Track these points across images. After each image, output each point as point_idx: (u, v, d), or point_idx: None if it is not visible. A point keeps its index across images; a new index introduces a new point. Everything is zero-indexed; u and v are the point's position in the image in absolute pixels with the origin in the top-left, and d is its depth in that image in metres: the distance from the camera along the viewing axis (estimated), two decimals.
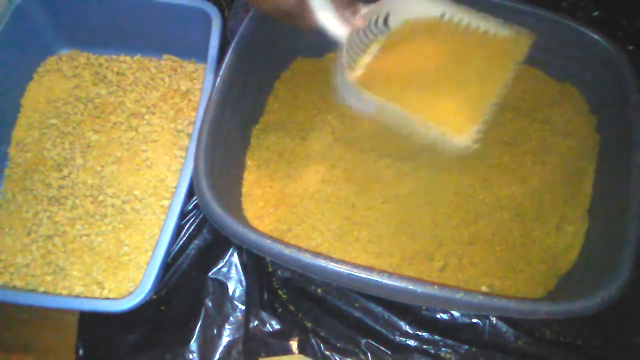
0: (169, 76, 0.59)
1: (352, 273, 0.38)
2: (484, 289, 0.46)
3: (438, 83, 0.45)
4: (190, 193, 0.47)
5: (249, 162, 0.52)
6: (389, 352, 0.48)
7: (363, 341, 0.49)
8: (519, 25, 0.53)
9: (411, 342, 0.49)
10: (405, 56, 0.47)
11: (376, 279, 0.38)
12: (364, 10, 0.44)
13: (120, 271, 0.49)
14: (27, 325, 0.51)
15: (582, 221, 0.49)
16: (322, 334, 0.49)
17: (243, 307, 0.51)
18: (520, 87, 0.55)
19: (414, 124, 0.43)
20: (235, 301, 0.51)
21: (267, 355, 0.49)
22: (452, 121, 0.43)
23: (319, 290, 0.51)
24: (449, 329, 0.49)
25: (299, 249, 0.40)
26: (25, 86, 0.58)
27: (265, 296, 0.51)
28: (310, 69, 0.57)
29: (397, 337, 0.49)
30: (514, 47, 0.47)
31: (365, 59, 0.47)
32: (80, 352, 0.49)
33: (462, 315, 0.50)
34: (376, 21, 0.46)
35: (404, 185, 0.50)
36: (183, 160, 0.52)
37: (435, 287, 0.38)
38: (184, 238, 0.53)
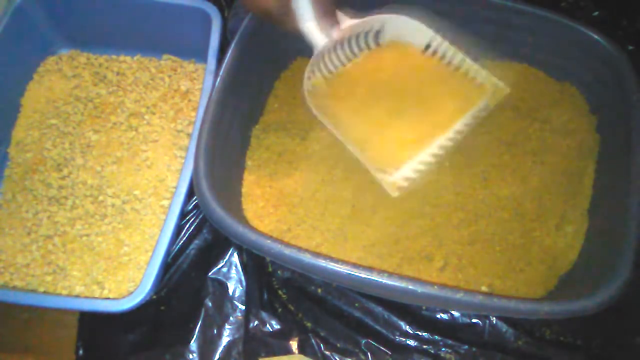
0: (169, 76, 0.59)
1: (352, 273, 0.38)
2: (484, 289, 0.46)
3: (396, 109, 0.46)
4: (190, 193, 0.47)
5: (249, 162, 0.52)
6: (389, 352, 0.48)
7: (363, 341, 0.49)
8: (518, 25, 0.53)
9: (411, 342, 0.49)
10: (375, 72, 0.47)
11: (376, 279, 0.38)
12: (348, 23, 0.43)
13: (120, 271, 0.49)
14: (27, 325, 0.51)
15: (582, 221, 0.49)
16: (322, 334, 0.49)
17: (243, 307, 0.51)
18: (520, 87, 0.55)
19: (354, 152, 0.44)
20: (235, 301, 0.51)
21: (267, 355, 0.49)
22: (388, 159, 0.44)
23: (319, 290, 0.51)
24: (449, 329, 0.49)
25: (299, 249, 0.40)
26: (25, 86, 0.58)
27: (265, 296, 0.51)
28: None
29: (397, 337, 0.49)
30: (486, 94, 0.47)
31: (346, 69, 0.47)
32: (80, 352, 0.49)
33: (462, 315, 0.50)
34: (366, 36, 0.46)
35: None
36: (183, 160, 0.52)
37: (435, 287, 0.38)
38: (184, 238, 0.53)
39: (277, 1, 0.37)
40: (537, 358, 0.48)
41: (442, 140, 0.45)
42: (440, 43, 0.46)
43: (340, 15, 0.43)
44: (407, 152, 0.45)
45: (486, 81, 0.47)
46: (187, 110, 0.57)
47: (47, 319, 0.52)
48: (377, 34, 0.47)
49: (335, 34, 0.42)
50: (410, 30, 0.46)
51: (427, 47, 0.47)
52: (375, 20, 0.45)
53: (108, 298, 0.48)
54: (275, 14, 0.38)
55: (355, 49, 0.47)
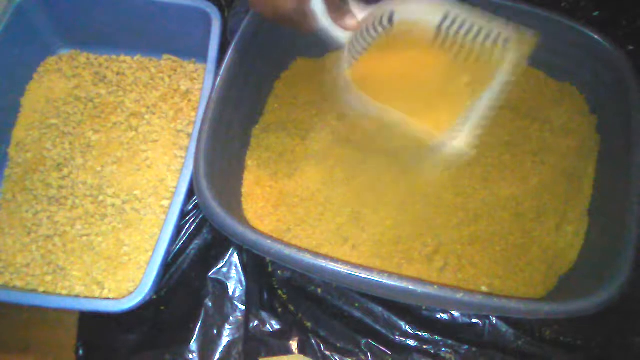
0: (169, 76, 0.59)
1: (352, 273, 0.38)
2: (484, 289, 0.46)
3: (430, 91, 0.46)
4: (190, 193, 0.47)
5: (249, 162, 0.52)
6: (389, 352, 0.48)
7: (363, 341, 0.49)
8: (518, 25, 0.53)
9: (411, 342, 0.49)
10: (401, 60, 0.47)
11: (376, 279, 0.38)
12: (362, 14, 0.44)
13: (120, 271, 0.49)
14: (27, 325, 0.51)
15: (582, 221, 0.49)
16: (322, 334, 0.49)
17: (243, 307, 0.51)
18: (520, 87, 0.55)
19: (414, 129, 0.43)
20: (235, 301, 0.51)
21: (267, 355, 0.49)
22: (445, 126, 0.44)
23: (319, 290, 0.51)
24: (449, 329, 0.49)
25: (299, 249, 0.40)
26: (25, 86, 0.58)
27: (265, 296, 0.51)
28: (310, 69, 0.57)
29: (397, 337, 0.49)
30: (517, 49, 0.46)
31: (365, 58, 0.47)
32: (80, 352, 0.49)
33: (462, 315, 0.50)
34: (380, 21, 0.46)
35: (404, 185, 0.50)
36: (183, 160, 0.52)
37: (435, 287, 0.38)
38: (184, 238, 0.53)
39: (294, 6, 0.38)
40: (537, 358, 0.48)
41: (489, 99, 0.45)
42: (458, 11, 0.46)
43: (353, 6, 0.44)
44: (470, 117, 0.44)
45: (511, 35, 0.46)
46: (187, 110, 0.57)
47: (47, 319, 0.52)
48: (390, 18, 0.46)
49: (354, 26, 0.43)
50: (421, 8, 0.45)
51: (443, 21, 0.46)
52: (386, 5, 0.45)
53: (108, 298, 0.48)
54: (294, 18, 0.38)
55: (373, 34, 0.46)
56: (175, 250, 0.52)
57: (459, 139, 0.43)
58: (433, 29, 0.46)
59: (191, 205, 0.54)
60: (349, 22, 0.43)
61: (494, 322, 0.49)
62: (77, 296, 0.48)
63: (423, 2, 0.46)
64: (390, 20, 0.46)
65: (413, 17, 0.46)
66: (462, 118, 0.44)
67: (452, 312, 0.50)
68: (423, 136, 0.44)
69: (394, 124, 0.44)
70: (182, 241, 0.53)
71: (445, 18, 0.46)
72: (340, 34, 0.43)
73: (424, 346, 0.49)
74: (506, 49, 0.46)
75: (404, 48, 0.47)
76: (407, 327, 0.49)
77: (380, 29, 0.46)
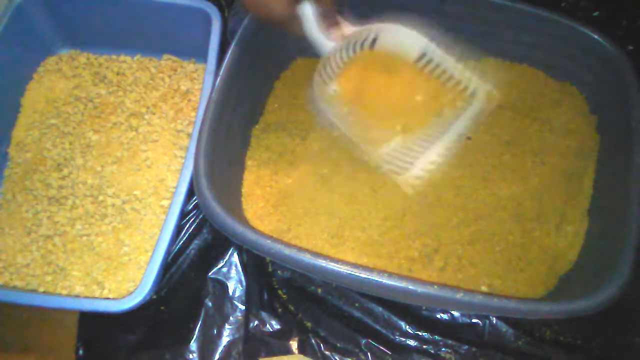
0: (169, 76, 0.59)
1: (352, 273, 0.38)
2: (484, 289, 0.46)
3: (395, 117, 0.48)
4: (190, 193, 0.47)
5: (249, 162, 0.52)
6: (389, 352, 0.48)
7: (363, 341, 0.49)
8: (518, 24, 0.53)
9: (411, 342, 0.49)
10: (375, 80, 0.48)
11: (376, 279, 0.38)
12: (349, 30, 0.44)
13: (120, 271, 0.49)
14: (27, 325, 0.51)
15: (582, 221, 0.49)
16: (322, 334, 0.49)
17: (243, 307, 0.51)
18: (520, 87, 0.55)
19: (368, 154, 0.47)
20: (235, 301, 0.51)
21: (267, 355, 0.49)
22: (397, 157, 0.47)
23: (319, 290, 0.51)
24: (449, 329, 0.49)
25: (299, 249, 0.40)
26: (25, 86, 0.58)
27: (265, 296, 0.51)
28: (310, 69, 0.57)
29: (397, 337, 0.49)
30: (482, 103, 0.49)
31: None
32: (80, 352, 0.49)
33: (462, 315, 0.50)
34: (362, 42, 0.46)
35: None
36: (183, 160, 0.52)
37: (435, 287, 0.38)
38: (184, 238, 0.53)
39: (285, 9, 0.39)
40: (537, 358, 0.48)
41: (446, 141, 0.48)
42: (434, 50, 0.47)
43: (341, 21, 0.44)
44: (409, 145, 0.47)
45: (479, 87, 0.48)
46: (187, 110, 0.57)
47: (47, 319, 0.52)
48: (373, 42, 0.47)
49: (339, 39, 0.44)
50: (404, 39, 0.46)
51: (420, 57, 0.47)
52: (371, 29, 0.45)
53: (108, 298, 0.48)
54: (284, 21, 0.40)
55: (350, 54, 0.47)
56: (175, 250, 0.52)
57: (402, 176, 0.47)
58: (412, 59, 0.47)
59: (191, 205, 0.54)
60: (335, 33, 0.44)
61: (494, 322, 0.49)
62: (77, 296, 0.48)
63: (405, 35, 0.46)
64: (373, 44, 0.47)
65: (393, 47, 0.47)
66: (417, 152, 0.47)
67: (452, 312, 0.50)
68: (377, 162, 0.47)
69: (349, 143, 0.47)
70: (182, 241, 0.53)
71: (423, 55, 0.47)
72: (324, 43, 0.43)
73: (424, 346, 0.49)
74: (473, 97, 0.48)
75: (389, 64, 0.48)
76: (407, 327, 0.49)
77: (359, 49, 0.47)
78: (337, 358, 0.49)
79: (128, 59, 0.61)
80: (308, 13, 0.41)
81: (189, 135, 0.55)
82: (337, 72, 0.46)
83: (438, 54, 0.47)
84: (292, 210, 0.49)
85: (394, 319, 0.50)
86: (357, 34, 0.45)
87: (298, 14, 0.40)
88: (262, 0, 0.39)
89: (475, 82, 0.48)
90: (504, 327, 0.49)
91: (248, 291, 0.51)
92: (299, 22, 0.41)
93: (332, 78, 0.46)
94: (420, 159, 0.47)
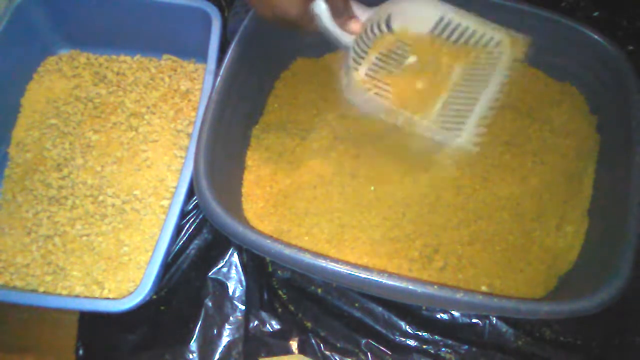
0: (169, 76, 0.59)
1: (352, 273, 0.38)
2: (484, 289, 0.46)
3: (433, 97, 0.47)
4: (190, 193, 0.47)
5: (249, 162, 0.52)
6: (389, 352, 0.48)
7: (363, 341, 0.49)
8: (519, 25, 0.53)
9: (411, 342, 0.49)
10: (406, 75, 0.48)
11: (376, 279, 0.38)
12: (364, 16, 0.44)
13: (120, 271, 0.49)
14: (27, 325, 0.51)
15: (582, 221, 0.49)
16: (322, 334, 0.49)
17: (243, 307, 0.51)
18: (520, 87, 0.55)
19: (418, 126, 0.45)
20: (235, 301, 0.51)
21: (267, 355, 0.49)
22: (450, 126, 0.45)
23: (319, 290, 0.51)
24: (449, 329, 0.49)
25: (299, 249, 0.40)
26: (25, 86, 0.58)
27: (265, 296, 0.51)
28: (310, 69, 0.57)
29: (397, 337, 0.49)
30: (510, 51, 0.48)
31: (366, 62, 0.47)
32: (80, 352, 0.49)
33: (462, 315, 0.50)
34: (379, 25, 0.46)
35: (404, 185, 0.50)
36: (183, 160, 0.52)
37: (435, 287, 0.38)
38: (184, 238, 0.53)
39: (299, 8, 0.38)
40: (537, 358, 0.48)
41: (489, 94, 0.47)
42: (453, 14, 0.47)
43: (355, 7, 0.44)
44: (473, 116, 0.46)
45: (504, 37, 0.47)
46: (187, 110, 0.57)
47: (47, 319, 0.52)
48: (388, 19, 0.47)
49: (357, 30, 0.44)
50: (418, 10, 0.46)
51: (437, 24, 0.47)
52: (382, 8, 0.45)
53: (108, 298, 0.48)
54: (299, 20, 0.39)
55: (372, 37, 0.47)
56: (175, 250, 0.52)
57: (462, 137, 0.45)
58: (428, 31, 0.47)
59: (191, 205, 0.54)
60: (353, 26, 0.43)
61: (494, 322, 0.49)
62: (77, 296, 0.48)
63: (418, 3, 0.46)
64: (388, 24, 0.47)
65: (408, 16, 0.46)
66: (464, 117, 0.46)
67: (452, 312, 0.50)
68: (427, 134, 0.45)
69: (400, 124, 0.45)
70: (182, 241, 0.53)
71: (440, 20, 0.47)
72: (344, 37, 0.43)
73: (424, 346, 0.49)
74: (500, 51, 0.47)
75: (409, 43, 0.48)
76: (407, 327, 0.49)
77: (378, 32, 0.47)
78: (337, 358, 0.49)
79: (128, 59, 0.61)
80: (323, 9, 0.40)
81: (189, 135, 0.55)
82: (364, 58, 0.46)
83: (455, 13, 0.46)
84: (292, 210, 0.49)
85: (394, 319, 0.50)
86: (372, 17, 0.45)
87: (312, 12, 0.40)
88: (275, 2, 0.38)
89: (500, 31, 0.47)
90: (504, 327, 0.49)
91: (248, 291, 0.51)
92: (311, 21, 0.41)
93: (361, 64, 0.46)
94: (470, 117, 0.46)
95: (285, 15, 0.38)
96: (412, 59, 0.48)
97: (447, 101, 0.46)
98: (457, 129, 0.45)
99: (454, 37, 0.48)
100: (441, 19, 0.47)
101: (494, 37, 0.47)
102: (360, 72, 0.46)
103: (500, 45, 0.47)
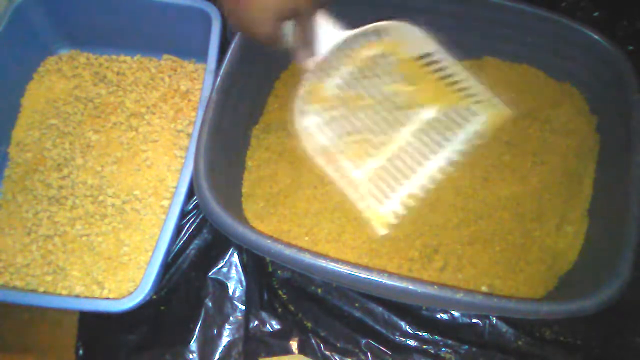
0: (169, 76, 0.59)
1: (352, 273, 0.38)
2: (484, 289, 0.46)
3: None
4: (190, 193, 0.47)
5: (249, 162, 0.52)
6: (389, 352, 0.48)
7: (363, 341, 0.49)
8: (519, 25, 0.53)
9: (411, 342, 0.49)
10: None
11: (376, 279, 0.38)
12: (329, 45, 0.44)
13: (120, 271, 0.49)
14: (27, 325, 0.51)
15: (582, 221, 0.49)
16: (322, 334, 0.49)
17: (243, 307, 0.51)
18: (520, 87, 0.55)
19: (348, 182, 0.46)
20: (235, 301, 0.51)
21: (267, 355, 0.49)
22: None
23: (319, 290, 0.51)
24: (449, 329, 0.49)
25: (299, 249, 0.40)
26: (25, 86, 0.58)
27: (265, 296, 0.51)
28: None
29: (397, 337, 0.49)
30: (487, 116, 0.48)
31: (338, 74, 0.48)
32: (80, 352, 0.49)
33: (462, 315, 0.50)
34: (365, 33, 0.45)
35: None
36: (183, 160, 0.52)
37: (435, 287, 0.38)
38: (184, 238, 0.53)
39: (268, 29, 0.40)
40: (537, 358, 0.48)
41: (432, 170, 0.47)
42: (444, 56, 0.46)
43: (326, 31, 0.43)
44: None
45: (487, 99, 0.47)
46: (187, 110, 0.57)
47: (47, 319, 0.52)
48: (378, 33, 0.47)
49: (310, 66, 0.44)
50: (412, 34, 0.46)
51: (424, 56, 0.47)
52: (372, 28, 0.45)
53: (108, 298, 0.48)
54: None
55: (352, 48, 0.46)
56: (175, 250, 0.52)
57: (383, 207, 0.45)
58: (417, 55, 0.47)
59: (191, 205, 0.54)
60: (308, 62, 0.44)
61: (494, 322, 0.49)
62: (77, 296, 0.48)
63: (414, 30, 0.45)
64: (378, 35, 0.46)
65: (401, 35, 0.46)
66: (398, 178, 0.46)
67: (452, 312, 0.50)
68: (351, 195, 0.46)
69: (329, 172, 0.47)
70: (182, 241, 0.53)
71: (430, 54, 0.46)
72: (305, 64, 0.44)
73: (424, 346, 0.49)
74: (475, 111, 0.48)
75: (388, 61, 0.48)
76: (407, 327, 0.49)
77: (363, 41, 0.46)
78: (337, 358, 0.49)
79: (128, 59, 0.61)
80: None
81: (189, 135, 0.55)
82: (339, 70, 0.46)
83: (449, 59, 0.46)
84: (292, 210, 0.49)
85: (394, 319, 0.50)
86: (353, 37, 0.44)
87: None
88: (247, 22, 0.40)
89: (484, 92, 0.47)
90: (504, 327, 0.49)
91: (248, 291, 0.51)
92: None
93: (332, 76, 0.46)
94: (402, 188, 0.46)
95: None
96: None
97: (394, 154, 0.47)
98: (379, 197, 0.45)
99: (438, 75, 0.47)
100: (431, 54, 0.47)
101: (477, 94, 0.47)
102: (329, 84, 0.46)
103: (480, 105, 0.47)
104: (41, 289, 0.49)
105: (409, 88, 0.47)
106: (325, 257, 0.39)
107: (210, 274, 0.52)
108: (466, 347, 0.48)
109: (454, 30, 0.47)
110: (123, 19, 0.57)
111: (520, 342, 0.49)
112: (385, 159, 0.47)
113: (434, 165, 0.47)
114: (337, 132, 0.47)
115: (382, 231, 0.45)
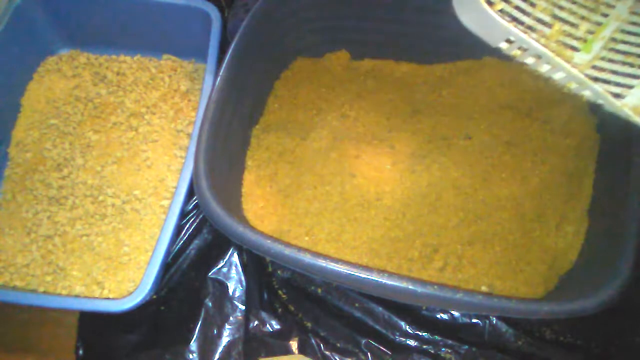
0: (169, 76, 0.59)
1: (352, 273, 0.38)
2: (484, 289, 0.46)
3: None
4: (190, 193, 0.47)
5: (249, 162, 0.52)
6: (389, 352, 0.48)
7: (363, 341, 0.49)
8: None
9: (411, 342, 0.49)
10: None
11: (376, 279, 0.38)
12: None
13: (120, 271, 0.49)
14: (27, 325, 0.51)
15: (582, 221, 0.49)
16: (322, 334, 0.49)
17: (243, 307, 0.51)
18: (520, 87, 0.55)
19: (564, 71, 0.36)
20: (235, 301, 0.51)
21: (267, 355, 0.49)
22: None
23: (319, 290, 0.51)
24: (449, 329, 0.49)
25: (299, 249, 0.40)
26: (25, 86, 0.58)
27: (265, 296, 0.51)
28: (310, 69, 0.57)
29: (397, 337, 0.49)
30: None
31: None
32: (80, 352, 0.49)
33: (462, 315, 0.50)
34: None
35: (404, 185, 0.50)
36: (183, 160, 0.52)
37: (435, 287, 0.38)
38: (184, 238, 0.53)
39: None
40: (537, 358, 0.48)
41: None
42: None
43: None
44: None
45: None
46: (187, 110, 0.57)
47: (47, 319, 0.52)
48: None
49: None
50: None
51: None
52: None
53: (108, 298, 0.48)
54: None
55: None
56: (175, 250, 0.52)
57: (631, 97, 0.35)
58: None
59: (191, 205, 0.54)
60: None
61: (494, 322, 0.49)
62: (77, 296, 0.48)
63: None
64: None
65: None
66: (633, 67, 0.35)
67: (452, 312, 0.50)
68: (574, 85, 0.37)
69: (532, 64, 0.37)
70: (182, 241, 0.53)
71: None
72: None
73: (424, 346, 0.49)
74: None
75: None
76: (407, 327, 0.49)
77: None
78: (337, 358, 0.49)
79: (128, 59, 0.61)
80: None
81: (189, 135, 0.55)
82: None
83: None
84: (292, 210, 0.49)
85: (394, 319, 0.50)
86: None
87: None
88: None
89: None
90: (504, 327, 0.49)
91: (248, 291, 0.51)
92: None
93: None
94: None
95: None
96: None
97: (611, 38, 0.35)
98: (620, 84, 0.35)
99: None
100: None
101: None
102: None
103: None
104: (41, 289, 0.49)
105: None
106: (325, 257, 0.39)
107: (210, 274, 0.52)
108: (466, 347, 0.48)
109: (454, 29, 0.47)
110: (123, 19, 0.57)
111: (520, 342, 0.49)
112: (602, 44, 0.36)
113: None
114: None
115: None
